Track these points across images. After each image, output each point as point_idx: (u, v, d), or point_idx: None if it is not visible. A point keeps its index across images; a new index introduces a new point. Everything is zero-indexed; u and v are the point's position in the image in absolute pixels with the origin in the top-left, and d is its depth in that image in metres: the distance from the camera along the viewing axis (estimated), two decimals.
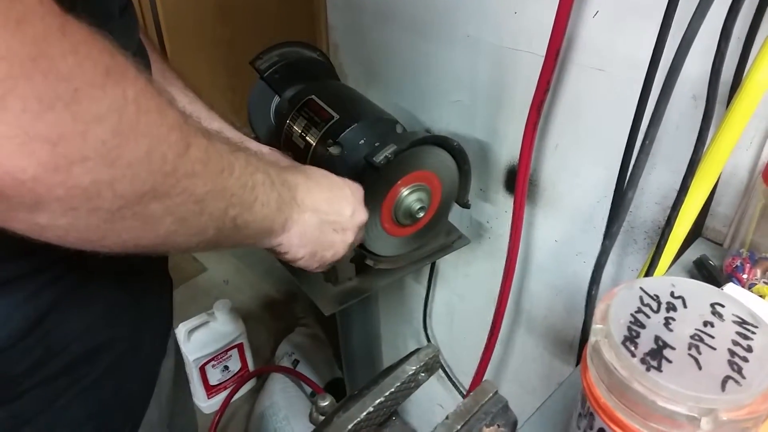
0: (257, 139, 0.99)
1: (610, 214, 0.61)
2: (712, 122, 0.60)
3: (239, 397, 1.62)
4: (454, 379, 1.27)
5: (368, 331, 1.09)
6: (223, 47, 1.35)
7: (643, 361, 0.35)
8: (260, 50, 0.94)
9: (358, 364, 1.15)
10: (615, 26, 0.71)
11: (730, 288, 0.53)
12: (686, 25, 0.58)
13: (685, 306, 0.39)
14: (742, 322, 0.38)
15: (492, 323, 1.00)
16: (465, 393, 1.14)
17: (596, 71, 0.75)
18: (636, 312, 0.39)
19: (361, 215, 0.62)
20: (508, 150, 0.93)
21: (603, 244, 0.57)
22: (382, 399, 0.38)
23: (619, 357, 0.36)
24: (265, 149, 0.69)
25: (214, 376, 1.59)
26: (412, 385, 0.41)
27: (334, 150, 0.79)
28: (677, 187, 0.74)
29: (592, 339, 0.38)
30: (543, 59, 0.74)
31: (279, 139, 0.90)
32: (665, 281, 0.41)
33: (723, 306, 0.39)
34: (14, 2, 0.26)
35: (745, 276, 0.64)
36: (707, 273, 0.64)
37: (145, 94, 0.33)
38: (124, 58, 0.32)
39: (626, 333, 0.37)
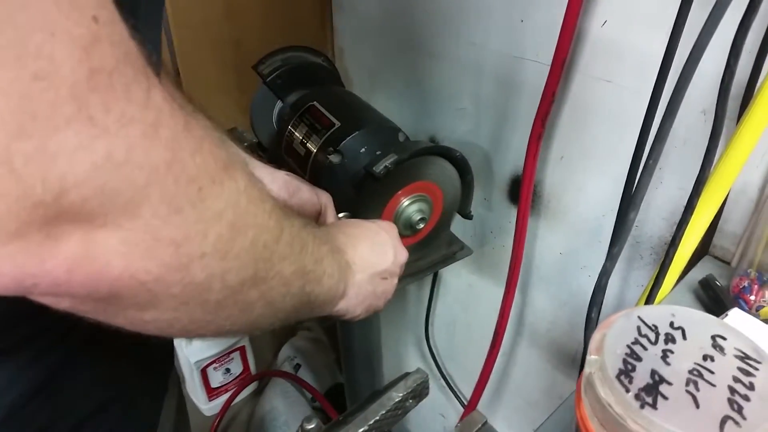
0: (259, 144, 0.98)
1: (612, 234, 0.60)
2: (721, 138, 0.58)
3: (240, 400, 1.61)
4: (455, 389, 1.25)
5: (369, 338, 1.07)
6: (230, 47, 1.34)
7: (637, 397, 0.33)
8: (266, 51, 0.93)
9: (359, 370, 1.14)
10: (623, 36, 0.69)
11: (736, 314, 0.51)
12: (696, 37, 0.56)
13: (684, 338, 0.37)
14: (744, 357, 0.36)
15: (494, 334, 0.99)
16: (466, 403, 1.12)
17: (603, 82, 0.73)
18: (633, 343, 0.37)
19: (403, 255, 0.61)
20: (512, 159, 0.91)
21: (604, 265, 0.55)
22: (365, 428, 0.37)
23: (613, 392, 0.34)
24: (280, 175, 0.67)
25: (216, 378, 1.58)
26: (399, 412, 0.39)
27: (334, 158, 0.78)
28: (684, 203, 0.72)
29: (586, 371, 0.37)
30: (549, 68, 0.72)
31: (281, 144, 0.89)
32: (665, 310, 0.39)
33: (725, 339, 0.37)
34: (148, 107, 0.25)
35: (752, 297, 0.61)
36: (713, 294, 0.62)
37: (250, 181, 0.33)
38: (230, 143, 0.32)
39: (621, 366, 0.35)
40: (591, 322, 0.56)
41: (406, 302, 1.32)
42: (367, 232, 0.57)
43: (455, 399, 1.26)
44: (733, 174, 0.59)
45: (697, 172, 0.60)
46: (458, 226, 0.99)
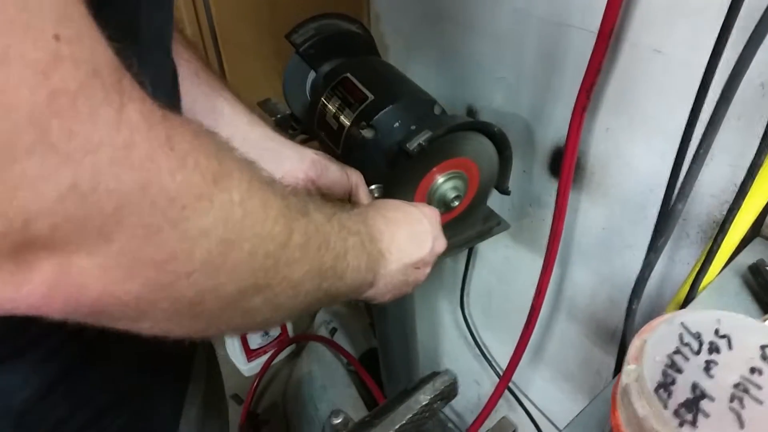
0: (292, 116, 0.96)
1: (656, 225, 0.57)
2: None
3: (278, 362, 1.65)
4: (490, 358, 1.25)
5: (403, 306, 1.07)
6: (266, 11, 1.31)
7: (676, 413, 0.32)
8: (303, 13, 0.90)
9: (392, 338, 1.14)
10: (676, 4, 0.64)
11: None
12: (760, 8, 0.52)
13: (730, 347, 0.35)
14: None
15: (531, 308, 0.97)
16: (501, 374, 1.12)
17: (653, 52, 0.69)
18: (674, 353, 0.35)
19: (441, 244, 0.58)
20: (554, 131, 0.87)
21: (647, 257, 0.52)
22: (392, 431, 0.36)
23: (651, 406, 0.33)
24: (308, 154, 0.65)
25: (255, 340, 1.62)
26: (426, 414, 0.39)
27: (367, 133, 0.76)
28: (736, 180, 0.68)
29: (623, 380, 0.35)
30: (595, 37, 0.68)
31: (313, 117, 0.87)
32: (710, 316, 0.37)
33: None
34: (120, 126, 0.23)
35: None
36: (763, 281, 0.59)
37: (250, 190, 0.31)
38: (228, 150, 0.31)
39: (660, 378, 0.34)
40: (631, 313, 0.53)
41: (442, 271, 1.31)
42: (409, 217, 0.55)
43: (489, 368, 1.25)
44: None
45: (752, 151, 0.57)
46: (495, 199, 0.96)
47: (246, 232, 0.31)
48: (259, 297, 0.34)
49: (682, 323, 0.36)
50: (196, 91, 0.60)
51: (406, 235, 0.52)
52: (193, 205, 0.27)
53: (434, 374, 0.41)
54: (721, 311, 0.37)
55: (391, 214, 0.53)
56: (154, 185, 0.25)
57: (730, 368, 0.34)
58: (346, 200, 0.67)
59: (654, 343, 0.36)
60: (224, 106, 0.62)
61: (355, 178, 0.66)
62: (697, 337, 0.36)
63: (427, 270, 0.57)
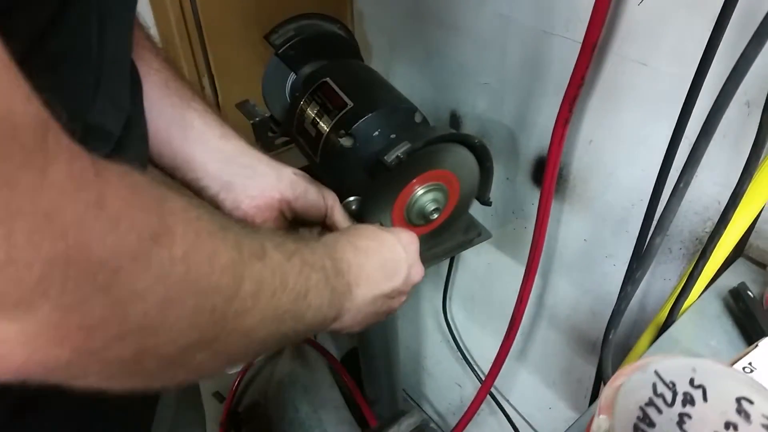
0: (272, 118, 0.94)
1: (633, 256, 0.55)
2: None
3: (261, 359, 1.64)
4: (472, 363, 1.24)
5: None
6: (252, 5, 1.29)
7: None
8: (289, 11, 0.88)
9: (373, 337, 1.13)
10: (663, 17, 0.62)
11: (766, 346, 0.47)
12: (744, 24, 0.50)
13: (705, 399, 0.34)
14: None
15: (512, 316, 0.96)
16: (483, 378, 1.11)
17: (638, 65, 0.67)
18: (647, 404, 0.33)
19: (417, 273, 0.56)
20: (537, 140, 0.86)
21: (624, 288, 0.51)
22: None
23: None
24: (287, 174, 0.62)
25: None
26: None
27: (345, 142, 0.74)
28: (719, 198, 0.67)
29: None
30: (579, 46, 0.66)
31: (293, 120, 0.85)
32: (685, 364, 0.35)
33: (751, 402, 0.33)
34: (42, 193, 0.21)
35: None
36: (743, 306, 0.58)
37: (196, 242, 0.29)
38: (173, 200, 0.28)
39: None
40: (608, 344, 0.52)
41: (425, 275, 1.29)
42: (381, 246, 0.52)
43: (471, 372, 1.25)
44: None
45: (737, 170, 0.55)
46: (479, 206, 0.95)
47: (189, 287, 0.28)
48: (205, 352, 0.31)
49: (656, 371, 0.35)
50: (165, 102, 0.58)
51: (377, 264, 0.50)
52: (128, 268, 0.25)
53: (401, 413, 0.40)
54: (696, 360, 0.35)
55: (363, 243, 0.50)
56: (82, 251, 0.23)
57: (704, 422, 0.33)
58: (321, 223, 0.65)
59: (626, 392, 0.34)
60: (194, 118, 0.59)
61: (331, 201, 0.64)
62: (672, 386, 0.34)
63: (402, 299, 0.55)
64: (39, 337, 0.23)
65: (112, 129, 0.39)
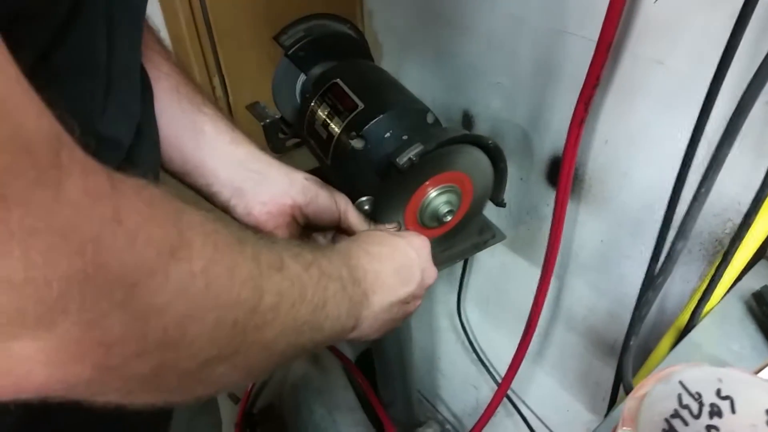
0: (282, 120, 0.93)
1: (653, 256, 0.54)
2: None
3: None
4: (487, 365, 1.23)
5: None
6: (262, 4, 1.28)
7: None
8: (299, 11, 0.87)
9: (387, 339, 1.12)
10: (680, 14, 0.61)
11: None
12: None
13: (733, 411, 0.32)
14: None
15: (528, 318, 0.95)
16: (499, 379, 1.09)
17: (655, 63, 0.66)
18: (672, 416, 0.32)
19: (430, 276, 0.56)
20: (552, 140, 0.84)
21: (644, 295, 0.50)
22: None
23: None
24: (299, 179, 0.61)
25: None
26: None
27: (356, 143, 0.73)
28: (739, 200, 0.65)
29: None
30: (593, 45, 0.65)
31: (303, 122, 0.84)
32: (711, 374, 0.34)
33: None
34: (56, 210, 0.21)
35: None
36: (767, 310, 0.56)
37: (215, 255, 0.28)
38: (191, 213, 0.28)
39: None
40: (628, 350, 0.51)
41: (439, 276, 1.28)
42: (394, 252, 0.51)
43: (487, 374, 1.23)
44: None
45: (757, 172, 0.54)
46: (492, 206, 0.94)
47: (209, 302, 0.28)
48: (225, 365, 0.31)
49: (680, 382, 0.34)
50: (176, 107, 0.57)
51: (391, 270, 0.50)
52: (146, 283, 0.24)
53: (418, 425, 0.39)
54: (723, 369, 0.34)
55: (376, 249, 0.50)
56: (101, 268, 0.22)
57: None
58: (335, 228, 0.64)
59: (650, 403, 0.33)
60: (205, 123, 0.59)
61: (344, 204, 0.63)
62: (698, 398, 0.33)
63: (417, 302, 0.54)
64: (59, 354, 0.23)
65: (123, 137, 0.39)
